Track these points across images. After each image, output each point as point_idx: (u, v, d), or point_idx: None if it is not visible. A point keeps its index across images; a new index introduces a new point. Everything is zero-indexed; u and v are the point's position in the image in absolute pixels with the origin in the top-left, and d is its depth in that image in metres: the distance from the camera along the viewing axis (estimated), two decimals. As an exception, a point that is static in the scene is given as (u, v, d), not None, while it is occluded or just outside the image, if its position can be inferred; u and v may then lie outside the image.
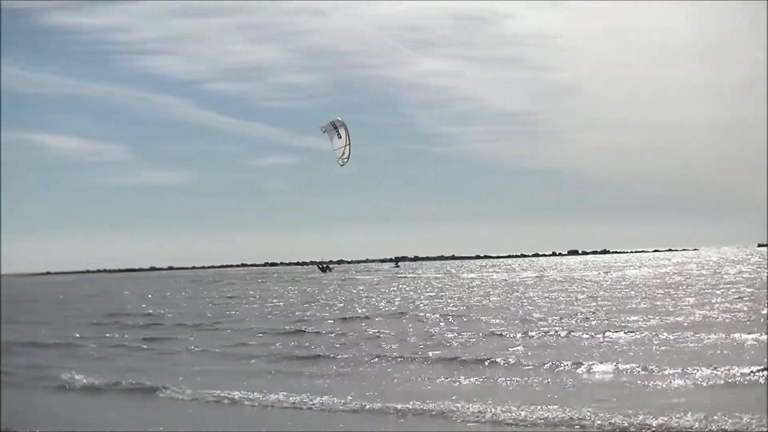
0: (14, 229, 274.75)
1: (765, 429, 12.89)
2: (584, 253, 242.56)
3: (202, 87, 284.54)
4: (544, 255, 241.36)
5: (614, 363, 19.64)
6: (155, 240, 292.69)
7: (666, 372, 18.28)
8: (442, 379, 19.13)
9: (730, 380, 17.25)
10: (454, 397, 16.29)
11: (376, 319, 34.92)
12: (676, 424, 13.40)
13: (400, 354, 23.04)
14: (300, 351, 24.86)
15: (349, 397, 16.89)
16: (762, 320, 28.20)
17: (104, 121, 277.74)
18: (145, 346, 28.36)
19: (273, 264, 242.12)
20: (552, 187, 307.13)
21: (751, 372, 17.66)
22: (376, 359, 22.38)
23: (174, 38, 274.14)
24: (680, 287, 51.00)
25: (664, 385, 17.14)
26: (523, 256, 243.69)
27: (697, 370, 18.10)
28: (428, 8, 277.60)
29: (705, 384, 17.13)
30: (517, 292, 53.12)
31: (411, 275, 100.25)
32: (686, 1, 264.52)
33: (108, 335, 32.63)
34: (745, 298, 38.76)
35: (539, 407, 14.97)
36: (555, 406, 14.95)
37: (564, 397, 16.20)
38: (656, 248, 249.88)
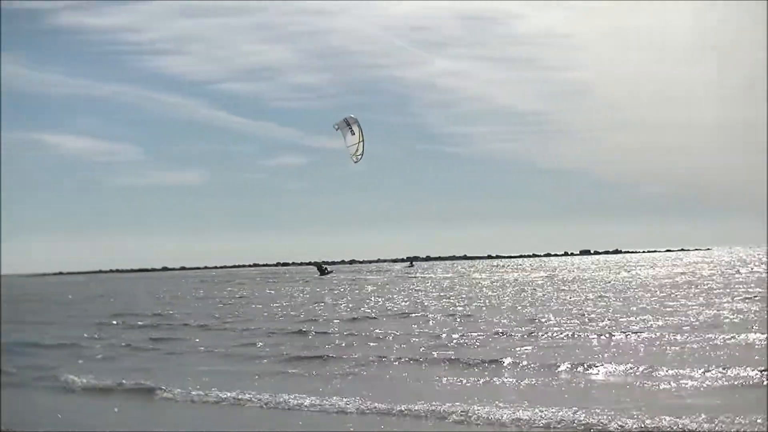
0: (26, 229, 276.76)
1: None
2: (596, 253, 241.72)
3: (213, 87, 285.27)
4: (556, 255, 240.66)
5: (622, 364, 19.48)
6: (167, 240, 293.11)
7: (674, 373, 18.15)
8: (450, 380, 19.03)
9: (738, 382, 17.10)
10: (465, 399, 16.27)
11: (383, 319, 34.81)
12: (685, 426, 13.31)
13: (405, 355, 22.93)
14: (306, 351, 24.77)
15: (356, 399, 16.84)
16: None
17: (115, 121, 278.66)
18: (151, 347, 28.32)
19: (285, 264, 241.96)
20: (564, 186, 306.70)
21: (759, 373, 17.51)
22: (383, 360, 22.27)
23: (184, 38, 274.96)
24: (690, 287, 50.75)
25: (672, 387, 17.02)
26: (535, 256, 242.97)
27: (706, 371, 17.99)
28: (438, 8, 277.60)
29: (713, 385, 16.99)
30: (526, 292, 52.92)
31: (421, 275, 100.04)
32: (697, 1, 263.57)
33: (113, 335, 32.62)
34: (756, 298, 38.51)
35: (547, 409, 14.86)
36: (566, 409, 14.84)
37: (572, 398, 16.08)
38: (668, 248, 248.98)
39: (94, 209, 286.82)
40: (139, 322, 38.66)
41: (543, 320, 31.24)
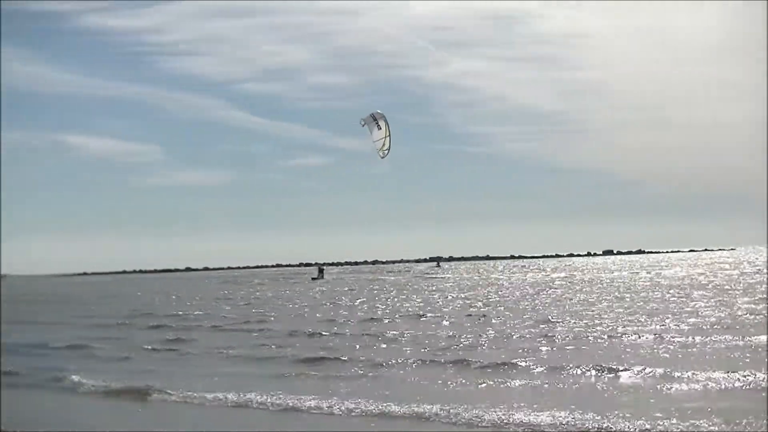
0: (50, 230, 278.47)
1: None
2: (619, 253, 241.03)
3: (235, 88, 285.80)
4: (578, 255, 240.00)
5: (637, 366, 19.21)
6: (190, 240, 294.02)
7: (689, 375, 17.93)
8: (460, 382, 18.90)
9: (750, 385, 16.83)
10: (473, 401, 16.14)
11: (397, 320, 34.74)
12: (699, 427, 13.25)
13: (416, 357, 22.73)
14: (318, 353, 24.57)
15: (363, 401, 16.77)
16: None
17: (138, 122, 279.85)
18: (163, 348, 28.28)
19: (307, 264, 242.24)
20: (586, 186, 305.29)
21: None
22: (393, 362, 22.09)
23: (206, 39, 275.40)
24: (710, 288, 50.41)
25: (686, 389, 16.87)
26: (557, 256, 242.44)
27: (720, 374, 17.75)
28: (459, 8, 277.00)
29: (727, 387, 16.78)
30: (544, 293, 52.73)
31: (440, 276, 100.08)
32: (716, 1, 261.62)
33: (127, 336, 32.71)
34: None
35: (557, 412, 14.75)
36: (577, 412, 14.70)
37: (585, 401, 15.87)
38: (692, 248, 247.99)
39: (118, 210, 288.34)
40: (155, 323, 38.76)
41: (557, 322, 30.99)
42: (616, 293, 48.99)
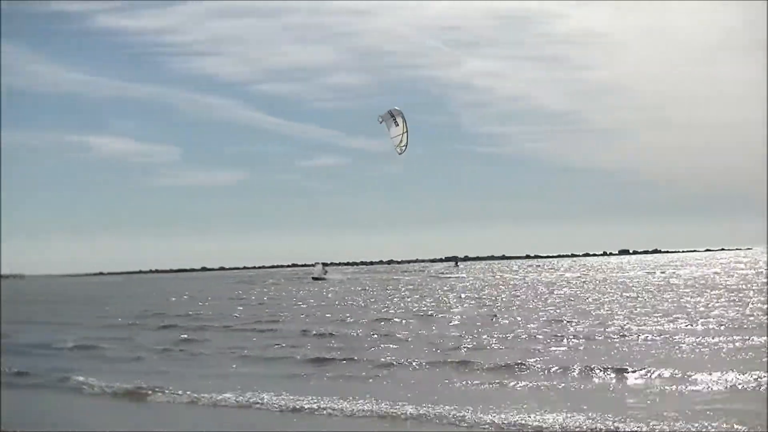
0: (66, 230, 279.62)
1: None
2: (635, 252, 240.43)
3: (251, 88, 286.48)
4: (594, 255, 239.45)
5: (649, 367, 19.07)
6: (205, 240, 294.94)
7: (701, 376, 17.79)
8: (466, 383, 18.83)
9: (764, 386, 16.70)
10: (480, 403, 16.09)
11: (407, 320, 34.65)
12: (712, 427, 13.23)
13: (423, 358, 22.61)
14: (326, 353, 24.55)
15: (368, 401, 16.83)
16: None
17: (154, 122, 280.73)
18: (172, 348, 28.24)
19: (323, 264, 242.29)
20: (601, 186, 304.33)
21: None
22: (400, 363, 22.02)
23: (221, 40, 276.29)
24: (724, 288, 50.18)
25: (699, 390, 16.78)
26: (573, 255, 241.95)
27: (734, 375, 17.64)
28: (473, 8, 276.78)
29: (738, 388, 16.70)
30: (556, 293, 52.63)
31: (454, 276, 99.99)
32: (731, 1, 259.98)
33: (137, 336, 32.74)
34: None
35: (568, 413, 14.74)
36: (590, 413, 14.65)
37: (596, 402, 15.82)
38: (708, 247, 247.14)
39: (133, 210, 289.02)
40: (166, 323, 38.79)
41: (568, 322, 30.84)
42: (629, 293, 48.81)
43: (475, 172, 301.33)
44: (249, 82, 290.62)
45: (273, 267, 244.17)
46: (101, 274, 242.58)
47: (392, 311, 40.55)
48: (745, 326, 27.38)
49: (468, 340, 26.57)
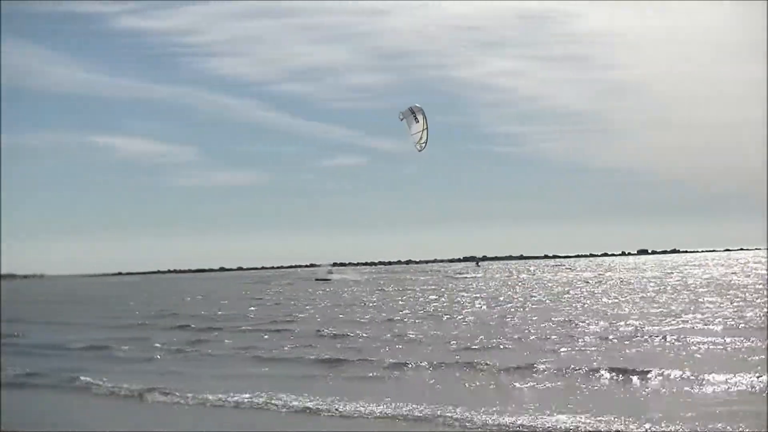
0: (85, 230, 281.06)
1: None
2: (653, 252, 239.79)
3: (268, 88, 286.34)
4: (613, 255, 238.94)
5: (663, 368, 18.86)
6: (224, 240, 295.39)
7: (717, 377, 17.64)
8: (473, 385, 18.78)
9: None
10: (501, 404, 16.02)
11: (418, 321, 34.55)
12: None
13: (431, 358, 22.45)
14: (335, 354, 24.45)
15: (377, 402, 16.75)
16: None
17: (171, 123, 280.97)
18: (184, 349, 28.20)
19: (342, 264, 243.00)
20: (621, 186, 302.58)
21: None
22: (408, 364, 21.83)
23: (239, 40, 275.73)
24: (740, 288, 49.87)
25: (714, 392, 16.67)
26: (592, 255, 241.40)
27: (750, 377, 17.44)
28: (492, 8, 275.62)
29: (755, 390, 16.53)
30: (570, 293, 52.43)
31: (470, 276, 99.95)
32: (754, 0, 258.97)
33: (148, 337, 32.64)
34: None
35: (579, 415, 14.64)
36: (602, 415, 14.57)
37: (609, 404, 15.74)
38: (727, 247, 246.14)
39: (152, 210, 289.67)
40: (179, 324, 38.81)
41: (581, 322, 30.70)
42: (645, 293, 48.58)
43: (493, 172, 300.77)
44: (267, 83, 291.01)
45: (291, 267, 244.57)
46: (120, 274, 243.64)
47: (406, 312, 40.48)
48: (762, 327, 27.09)
49: (480, 340, 26.44)
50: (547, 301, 44.90)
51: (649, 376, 18.43)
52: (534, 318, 33.62)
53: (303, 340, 28.95)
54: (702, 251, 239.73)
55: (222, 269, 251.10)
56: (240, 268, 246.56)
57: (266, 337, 31.01)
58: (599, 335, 26.56)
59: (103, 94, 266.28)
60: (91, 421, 17.03)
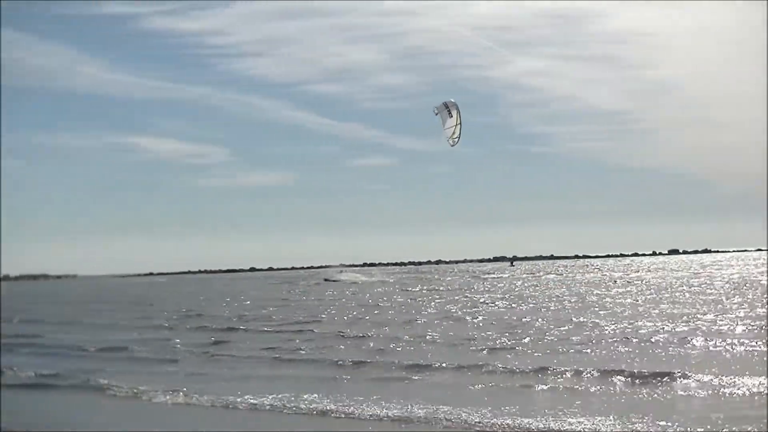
0: (117, 231, 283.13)
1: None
2: (685, 252, 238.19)
3: (299, 88, 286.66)
4: (644, 255, 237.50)
5: (688, 371, 18.64)
6: (254, 241, 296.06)
7: (742, 381, 17.44)
8: (488, 388, 18.65)
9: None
10: (520, 407, 15.94)
11: (436, 322, 34.48)
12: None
13: (447, 360, 22.34)
14: (359, 356, 24.42)
15: (393, 404, 16.77)
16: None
17: (203, 123, 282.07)
18: (205, 350, 28.24)
19: (371, 264, 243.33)
20: (653, 185, 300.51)
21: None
22: (422, 366, 21.81)
23: (270, 40, 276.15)
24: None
25: (740, 395, 16.47)
26: (622, 255, 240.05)
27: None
28: (523, 7, 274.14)
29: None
30: (593, 294, 52.13)
31: (495, 276, 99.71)
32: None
33: (168, 338, 32.75)
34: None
35: (599, 416, 14.64)
36: (623, 418, 14.49)
37: (630, 407, 15.57)
38: (759, 247, 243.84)
39: (182, 211, 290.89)
40: (203, 324, 38.88)
41: (599, 324, 30.53)
42: (671, 293, 48.29)
43: (525, 172, 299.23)
44: (297, 83, 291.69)
45: (321, 267, 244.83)
46: (151, 274, 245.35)
47: (425, 312, 40.50)
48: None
49: (499, 342, 26.37)
50: (571, 302, 44.64)
51: (670, 379, 18.21)
52: (556, 319, 33.48)
53: (325, 341, 28.96)
54: (734, 251, 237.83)
55: (252, 269, 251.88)
56: (270, 269, 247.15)
57: (288, 338, 30.94)
58: (620, 336, 26.34)
59: (134, 95, 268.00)
60: (102, 423, 17.13)
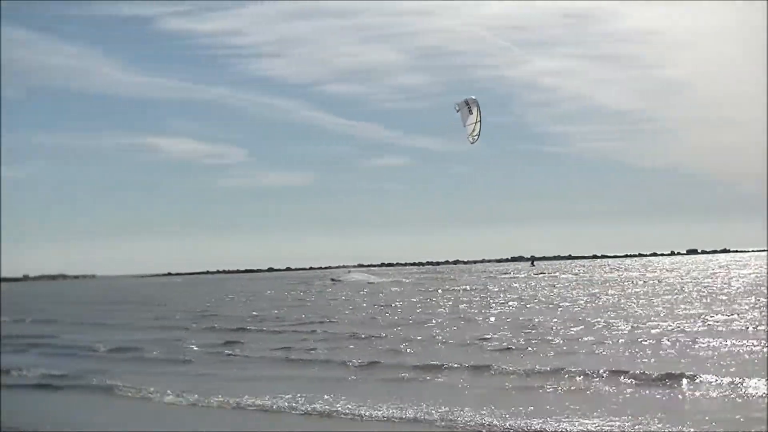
0: (136, 231, 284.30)
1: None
2: (703, 252, 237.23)
3: (315, 89, 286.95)
4: (662, 254, 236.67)
5: (702, 373, 18.41)
6: (272, 241, 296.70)
7: (752, 382, 17.20)
8: (507, 387, 18.56)
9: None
10: (529, 409, 15.85)
11: (447, 322, 34.30)
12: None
13: (457, 361, 22.17)
14: (370, 357, 24.21)
15: (401, 406, 16.70)
16: None
17: (221, 123, 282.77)
18: (216, 351, 28.21)
19: (389, 264, 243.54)
20: (670, 185, 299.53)
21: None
22: (431, 367, 21.64)
23: (286, 41, 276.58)
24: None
25: (756, 396, 16.30)
26: (640, 255, 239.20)
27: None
28: (538, 7, 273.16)
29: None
30: (607, 294, 51.88)
31: (510, 276, 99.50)
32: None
33: (180, 339, 32.61)
34: None
35: (612, 418, 14.55)
36: (637, 418, 14.42)
37: (643, 409, 15.44)
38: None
39: (200, 211, 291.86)
40: (216, 325, 38.84)
41: (612, 324, 30.32)
42: (686, 294, 48.01)
43: (541, 172, 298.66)
44: (314, 83, 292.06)
45: (338, 267, 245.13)
46: (169, 274, 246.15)
47: (438, 312, 40.39)
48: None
49: (511, 342, 26.19)
50: (584, 302, 44.41)
51: (685, 380, 17.98)
52: (568, 319, 33.27)
53: (337, 342, 28.82)
54: (752, 251, 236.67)
55: (270, 269, 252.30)
56: (288, 269, 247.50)
57: (301, 338, 30.84)
58: (631, 337, 26.12)
59: (152, 96, 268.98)
60: (106, 423, 17.11)
